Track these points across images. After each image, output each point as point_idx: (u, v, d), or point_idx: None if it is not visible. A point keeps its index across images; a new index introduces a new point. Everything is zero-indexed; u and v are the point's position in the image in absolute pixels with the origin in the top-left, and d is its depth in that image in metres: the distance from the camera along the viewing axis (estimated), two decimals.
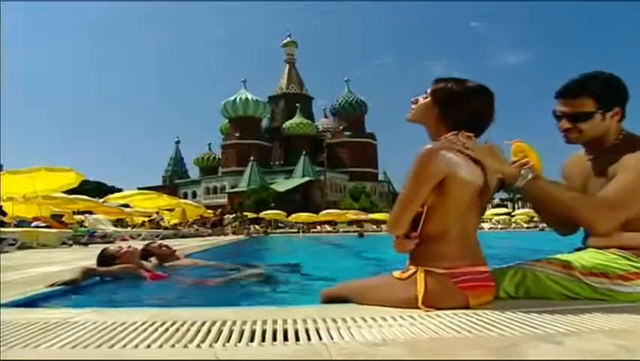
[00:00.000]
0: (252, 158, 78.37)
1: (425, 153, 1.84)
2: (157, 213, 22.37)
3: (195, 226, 25.66)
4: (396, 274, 1.97)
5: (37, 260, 5.58)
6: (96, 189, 43.92)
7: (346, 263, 7.57)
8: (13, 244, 9.31)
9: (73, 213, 18.20)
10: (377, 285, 2.03)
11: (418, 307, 1.80)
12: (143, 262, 4.31)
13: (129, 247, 4.02)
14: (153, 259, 4.64)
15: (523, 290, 2.07)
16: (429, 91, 2.03)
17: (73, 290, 2.93)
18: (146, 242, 5.23)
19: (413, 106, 2.06)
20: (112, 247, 4.00)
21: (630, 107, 2.06)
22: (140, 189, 40.63)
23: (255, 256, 10.19)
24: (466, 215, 1.93)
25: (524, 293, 2.07)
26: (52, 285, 2.85)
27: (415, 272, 1.88)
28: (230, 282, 3.60)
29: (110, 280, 3.51)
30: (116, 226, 19.49)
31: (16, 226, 11.24)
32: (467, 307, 1.82)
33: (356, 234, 29.04)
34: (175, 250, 4.97)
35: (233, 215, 34.62)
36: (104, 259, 3.84)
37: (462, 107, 1.95)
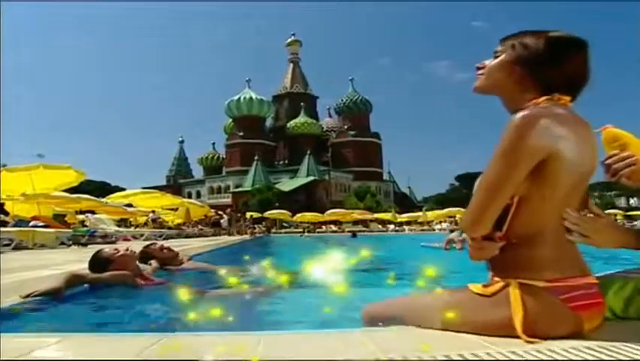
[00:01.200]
0: (256, 157, 77.90)
1: (522, 122, 1.32)
2: (153, 212, 21.42)
3: (200, 226, 25.19)
4: (475, 287, 1.45)
5: (27, 263, 5.09)
6: (100, 189, 43.37)
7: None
8: (8, 245, 8.83)
9: (76, 212, 17.74)
10: (450, 303, 1.51)
11: (515, 336, 1.29)
12: (143, 266, 3.83)
13: (127, 249, 3.50)
14: (154, 262, 4.15)
15: (634, 308, 1.56)
16: (500, 48, 1.51)
17: (54, 302, 2.42)
18: (148, 243, 4.74)
19: (481, 72, 1.54)
20: (106, 249, 3.48)
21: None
22: (144, 188, 40.13)
23: (264, 258, 9.64)
24: (565, 208, 1.41)
25: (636, 312, 1.56)
26: (27, 296, 2.35)
27: (506, 287, 1.37)
28: (246, 294, 3.07)
29: (102, 289, 3.00)
30: (119, 225, 19.00)
31: (14, 225, 10.76)
32: (580, 335, 1.32)
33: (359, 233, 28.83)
34: (178, 253, 4.47)
35: (239, 215, 34.11)
36: (97, 263, 3.34)
37: (554, 65, 1.43)
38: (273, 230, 41.74)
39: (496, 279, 1.42)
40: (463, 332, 1.37)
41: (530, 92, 1.44)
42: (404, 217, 47.39)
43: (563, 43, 1.45)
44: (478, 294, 1.42)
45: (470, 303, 1.42)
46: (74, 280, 2.80)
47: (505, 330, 1.32)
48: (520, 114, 1.33)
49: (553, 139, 1.31)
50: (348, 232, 33.22)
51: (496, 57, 1.52)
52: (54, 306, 2.39)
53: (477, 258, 1.47)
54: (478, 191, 1.39)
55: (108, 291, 2.95)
